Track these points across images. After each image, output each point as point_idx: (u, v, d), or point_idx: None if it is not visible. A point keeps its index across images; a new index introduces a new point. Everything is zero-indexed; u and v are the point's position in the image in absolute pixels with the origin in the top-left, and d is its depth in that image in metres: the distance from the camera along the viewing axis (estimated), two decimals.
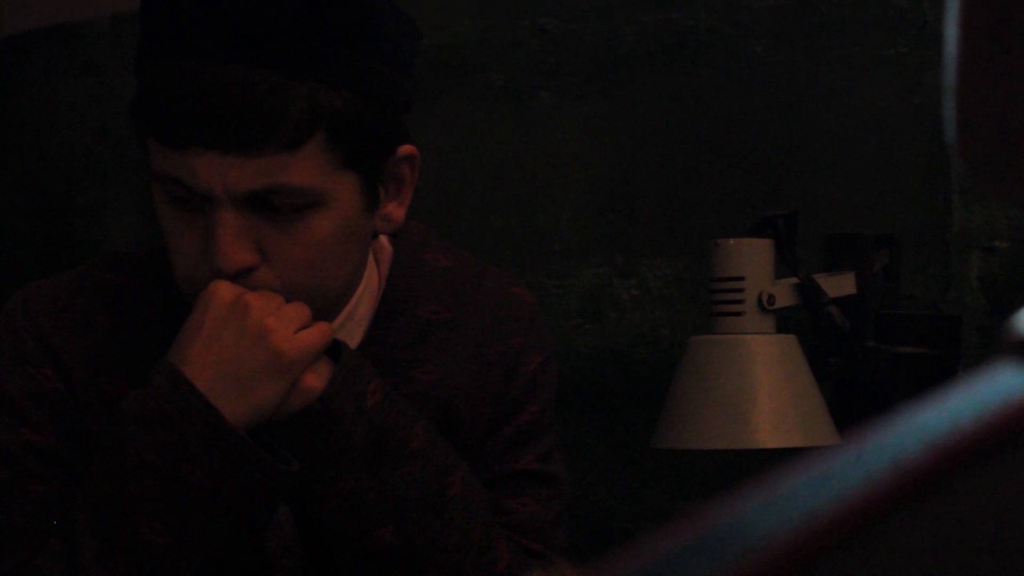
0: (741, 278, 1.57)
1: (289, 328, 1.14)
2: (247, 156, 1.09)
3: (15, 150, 2.62)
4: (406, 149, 1.21)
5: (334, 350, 1.18)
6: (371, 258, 1.29)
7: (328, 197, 1.14)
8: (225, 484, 1.13)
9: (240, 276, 1.13)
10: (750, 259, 1.58)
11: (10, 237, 2.62)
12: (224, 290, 1.14)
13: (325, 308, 1.19)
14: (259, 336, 1.13)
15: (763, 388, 1.53)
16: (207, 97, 1.08)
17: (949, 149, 0.45)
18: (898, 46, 1.94)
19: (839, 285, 1.65)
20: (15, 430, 1.22)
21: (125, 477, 1.14)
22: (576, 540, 1.38)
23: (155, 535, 1.13)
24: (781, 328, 1.59)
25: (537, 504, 1.31)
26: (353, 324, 1.27)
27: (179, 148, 1.11)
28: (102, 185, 2.50)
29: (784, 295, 1.60)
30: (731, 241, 1.59)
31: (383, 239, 1.31)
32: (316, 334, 1.15)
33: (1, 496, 1.22)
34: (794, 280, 1.61)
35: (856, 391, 1.66)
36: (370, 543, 1.20)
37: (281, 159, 1.10)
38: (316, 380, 1.16)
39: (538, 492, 1.31)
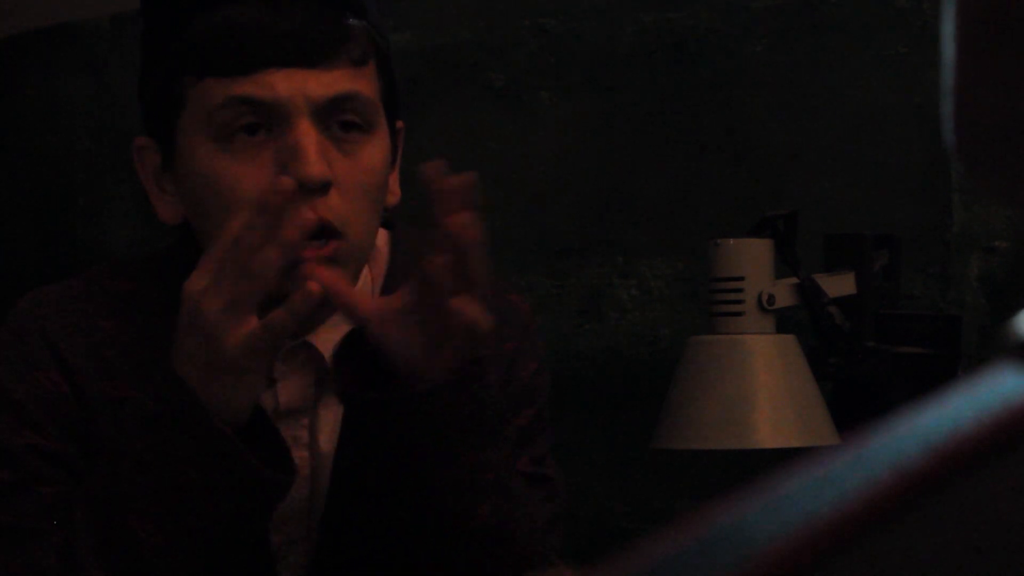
0: (741, 278, 1.57)
1: (228, 324, 1.10)
2: (324, 68, 1.16)
3: (15, 150, 2.62)
4: (400, 122, 1.27)
5: None
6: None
7: (379, 124, 1.21)
8: (214, 484, 1.12)
9: (320, 191, 1.15)
10: (750, 259, 1.58)
11: (10, 237, 2.62)
12: (188, 285, 1.13)
13: (359, 257, 1.21)
14: (206, 335, 1.11)
15: (763, 388, 1.53)
16: (280, 20, 1.15)
17: (946, 150, 0.45)
18: (898, 46, 1.94)
19: (839, 285, 1.65)
20: (20, 432, 1.22)
21: (121, 476, 1.14)
22: (576, 540, 1.38)
23: (147, 535, 1.13)
24: (781, 328, 1.59)
25: (533, 506, 1.32)
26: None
27: (252, 72, 1.15)
28: (102, 185, 2.50)
29: (784, 295, 1.60)
30: (731, 241, 1.59)
31: (380, 245, 1.32)
32: (259, 331, 1.11)
33: (6, 497, 1.22)
34: (794, 280, 1.61)
35: (856, 391, 1.66)
36: (468, 520, 1.19)
37: (352, 72, 1.17)
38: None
39: (534, 494, 1.32)
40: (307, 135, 1.15)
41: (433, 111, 2.20)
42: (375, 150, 1.20)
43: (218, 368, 1.11)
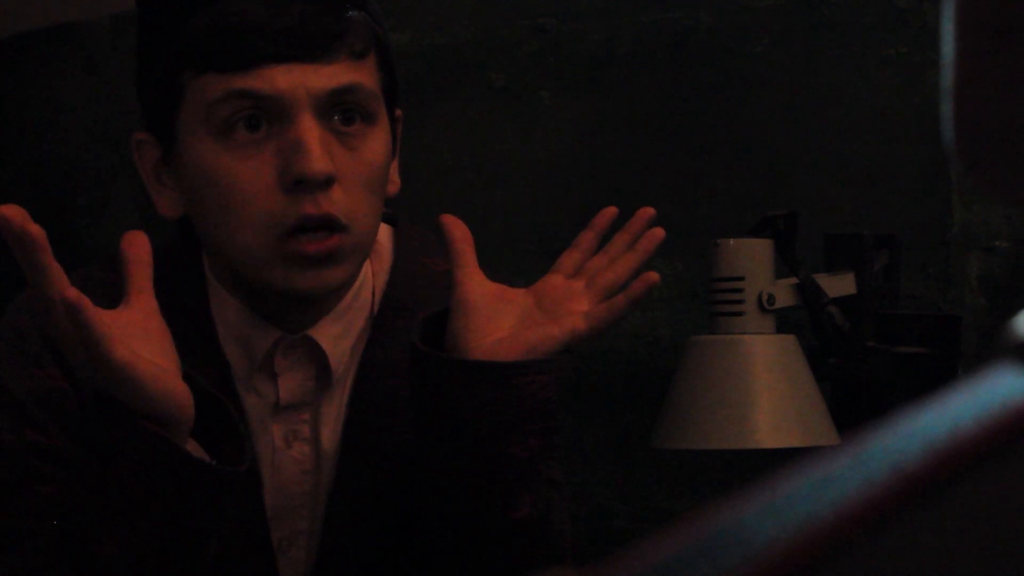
0: (741, 278, 1.57)
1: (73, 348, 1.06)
2: (324, 62, 1.16)
3: (15, 150, 2.62)
4: (398, 111, 1.27)
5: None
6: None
7: (380, 115, 1.21)
8: (152, 483, 1.07)
9: (323, 186, 1.15)
10: (750, 259, 1.58)
11: None
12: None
13: (363, 249, 1.20)
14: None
15: (763, 388, 1.53)
16: (280, 14, 1.15)
17: (946, 151, 0.45)
18: (898, 46, 1.94)
19: (839, 285, 1.65)
20: (20, 431, 1.22)
21: (77, 487, 1.11)
22: (576, 540, 1.38)
23: (100, 546, 1.09)
24: (781, 328, 1.59)
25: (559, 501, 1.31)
26: (352, 315, 1.27)
27: (253, 67, 1.15)
28: (102, 185, 2.50)
29: (784, 295, 1.60)
30: (731, 241, 1.59)
31: (383, 242, 1.32)
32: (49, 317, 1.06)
33: (5, 497, 1.21)
34: (794, 280, 1.61)
35: (856, 391, 1.66)
36: (511, 511, 1.18)
37: (352, 64, 1.18)
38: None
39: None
40: (309, 130, 1.15)
41: (433, 111, 2.20)
42: (377, 142, 1.20)
43: (79, 365, 1.06)
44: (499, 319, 1.18)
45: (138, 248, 1.09)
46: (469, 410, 1.15)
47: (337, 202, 1.16)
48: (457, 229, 1.20)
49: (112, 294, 1.26)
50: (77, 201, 2.53)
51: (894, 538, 0.33)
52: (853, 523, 0.33)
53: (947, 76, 0.44)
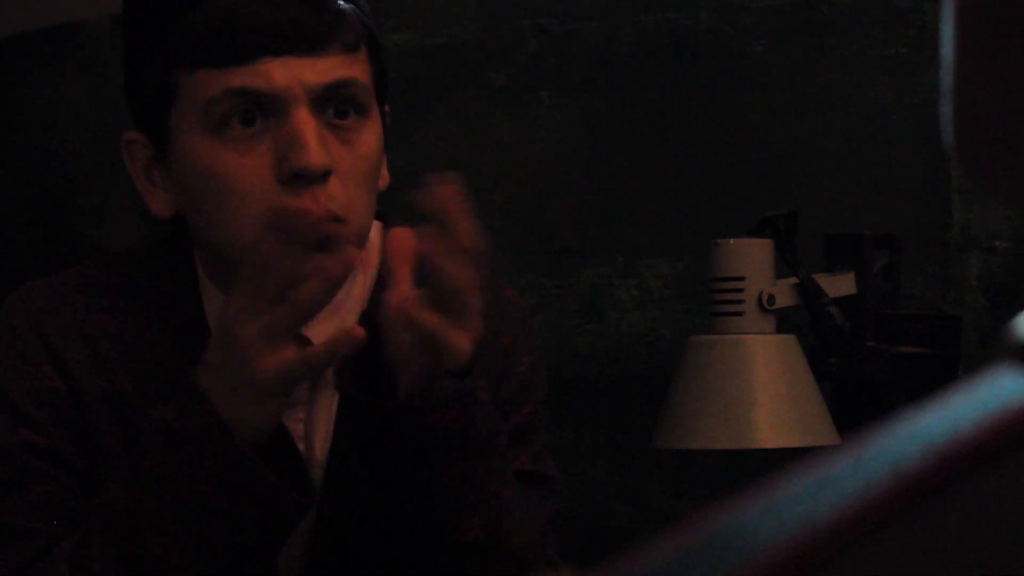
0: (741, 278, 1.57)
1: (262, 350, 1.08)
2: (318, 56, 1.16)
3: (15, 150, 2.62)
4: (387, 106, 1.27)
5: None
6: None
7: (373, 109, 1.21)
8: (234, 505, 1.10)
9: (321, 180, 1.15)
10: (750, 259, 1.58)
11: (10, 237, 2.62)
12: (227, 303, 1.12)
13: (358, 243, 1.19)
14: (238, 358, 1.09)
15: (763, 388, 1.53)
16: (272, 8, 1.15)
17: (946, 151, 0.45)
18: (898, 46, 1.94)
19: (839, 285, 1.65)
20: (16, 430, 1.22)
21: (142, 491, 1.12)
22: (576, 540, 1.38)
23: (163, 551, 1.10)
24: (781, 328, 1.59)
25: (529, 511, 1.31)
26: (344, 313, 1.26)
27: (247, 62, 1.15)
28: (102, 185, 2.50)
29: (784, 295, 1.60)
30: (731, 241, 1.59)
31: (373, 239, 1.31)
32: (296, 363, 1.09)
33: (2, 496, 1.21)
34: (794, 280, 1.61)
35: (856, 391, 1.66)
36: (455, 535, 1.17)
37: (345, 58, 1.18)
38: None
39: (532, 492, 1.31)
40: (306, 123, 1.15)
41: (433, 111, 2.20)
42: (371, 135, 1.20)
43: (246, 391, 1.09)
44: (405, 344, 1.12)
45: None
46: (387, 445, 1.14)
47: (334, 196, 1.16)
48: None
49: (111, 295, 1.27)
50: (77, 201, 2.52)
51: (894, 540, 0.33)
52: (853, 525, 0.33)
53: (947, 76, 0.44)
